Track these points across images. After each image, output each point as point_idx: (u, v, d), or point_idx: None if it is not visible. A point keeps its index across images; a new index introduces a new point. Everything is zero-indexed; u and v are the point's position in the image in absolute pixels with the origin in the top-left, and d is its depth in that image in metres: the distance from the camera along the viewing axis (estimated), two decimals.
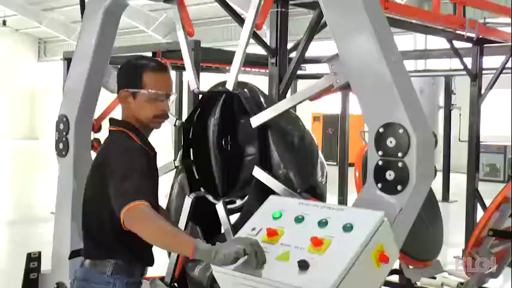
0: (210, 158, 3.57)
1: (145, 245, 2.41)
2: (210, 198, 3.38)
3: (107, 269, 2.55)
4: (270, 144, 3.16)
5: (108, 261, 2.55)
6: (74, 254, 3.11)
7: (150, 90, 2.57)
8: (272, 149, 3.15)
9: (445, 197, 11.88)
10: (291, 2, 4.93)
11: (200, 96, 3.54)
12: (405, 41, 14.68)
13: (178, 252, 2.66)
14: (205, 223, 3.49)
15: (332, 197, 7.96)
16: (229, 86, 3.26)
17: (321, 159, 3.31)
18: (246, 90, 3.31)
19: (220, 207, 3.26)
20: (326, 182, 3.32)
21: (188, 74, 3.53)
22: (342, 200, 8.44)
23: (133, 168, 2.41)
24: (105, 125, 3.88)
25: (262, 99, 3.31)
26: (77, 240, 3.44)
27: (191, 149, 3.57)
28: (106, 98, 3.83)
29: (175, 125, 3.52)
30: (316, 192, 3.18)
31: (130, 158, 2.45)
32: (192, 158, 3.59)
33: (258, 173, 3.11)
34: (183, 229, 3.30)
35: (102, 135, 3.73)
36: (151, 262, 2.67)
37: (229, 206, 3.34)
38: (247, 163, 3.50)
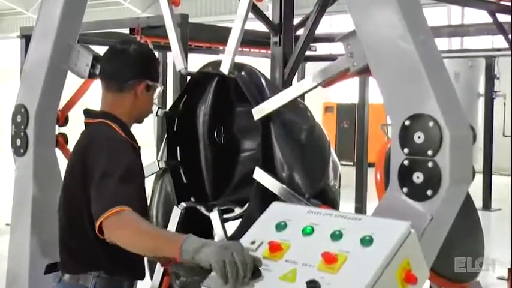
0: (199, 154, 3.60)
1: (135, 256, 2.51)
2: (203, 210, 3.41)
3: (89, 282, 2.65)
4: (272, 139, 3.17)
5: (91, 274, 2.66)
6: (50, 269, 3.19)
7: (160, 87, 2.95)
8: (274, 145, 3.17)
9: (487, 204, 11.91)
10: None
11: (188, 78, 3.56)
12: (437, 14, 14.70)
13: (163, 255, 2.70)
14: (195, 233, 3.51)
15: (347, 204, 7.96)
16: (225, 69, 3.28)
17: (333, 157, 3.33)
18: (243, 73, 3.33)
19: (214, 216, 3.28)
20: (339, 186, 3.33)
21: (174, 52, 3.55)
22: (360, 207, 8.46)
23: (117, 165, 2.56)
24: (73, 116, 3.90)
25: (264, 85, 3.33)
26: (38, 256, 3.47)
27: (177, 145, 3.59)
28: (71, 83, 3.84)
29: (157, 115, 3.55)
30: (327, 198, 3.19)
31: (115, 152, 2.62)
32: (178, 156, 3.60)
33: (260, 175, 3.12)
34: None
35: (69, 129, 3.75)
36: (141, 275, 2.78)
37: (226, 216, 3.36)
38: (243, 160, 3.53)
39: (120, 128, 2.82)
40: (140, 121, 2.97)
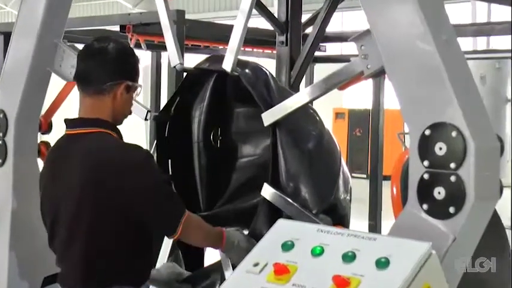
0: (192, 160, 3.61)
1: (149, 266, 3.03)
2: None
3: None
4: (277, 147, 3.18)
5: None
6: (48, 281, 3.31)
7: (140, 87, 3.07)
8: (280, 154, 3.18)
9: None
10: None
11: (184, 75, 3.59)
12: (461, 11, 14.72)
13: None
14: (190, 249, 3.53)
15: (360, 221, 7.93)
16: (227, 66, 3.29)
17: (343, 169, 3.33)
18: (248, 70, 3.34)
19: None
20: (351, 201, 3.33)
21: (168, 47, 3.56)
22: (374, 225, 8.44)
23: (159, 180, 2.96)
24: (56, 122, 3.91)
25: (272, 83, 3.34)
26: (16, 275, 3.47)
27: (167, 153, 3.59)
28: (54, 86, 3.86)
29: (146, 119, 3.55)
30: (337, 214, 3.20)
31: (151, 168, 2.93)
32: (169, 167, 3.62)
33: (268, 192, 3.12)
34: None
35: (53, 137, 3.76)
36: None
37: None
38: (241, 166, 3.54)
39: (117, 135, 2.97)
40: (120, 123, 3.08)
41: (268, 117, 3.13)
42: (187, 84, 3.63)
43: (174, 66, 3.58)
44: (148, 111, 3.57)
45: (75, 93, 3.94)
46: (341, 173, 3.30)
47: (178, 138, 3.64)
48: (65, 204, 2.93)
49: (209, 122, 3.59)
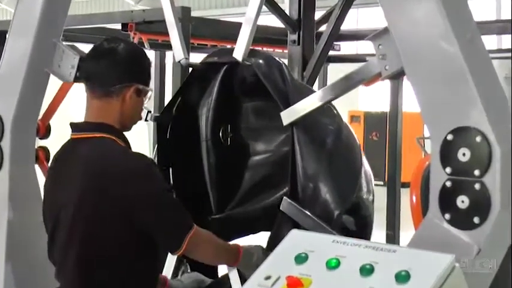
0: (201, 160, 3.60)
1: (154, 275, 3.05)
2: None
3: None
4: (294, 145, 3.17)
5: None
6: None
7: (151, 91, 3.13)
8: (296, 152, 3.17)
9: None
10: None
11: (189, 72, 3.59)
12: (484, 6, 14.69)
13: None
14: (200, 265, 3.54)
15: (378, 230, 7.91)
16: (238, 55, 3.27)
17: (365, 167, 3.31)
18: (261, 61, 3.34)
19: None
20: (373, 201, 3.32)
21: (173, 41, 3.58)
22: (392, 235, 8.42)
23: (164, 189, 2.96)
24: (54, 126, 3.92)
25: (287, 74, 3.33)
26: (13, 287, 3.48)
27: (168, 157, 3.59)
28: (50, 87, 3.87)
29: (146, 120, 3.56)
30: (360, 214, 3.19)
31: (155, 176, 2.94)
32: (170, 171, 3.62)
33: (288, 207, 3.12)
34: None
35: (51, 142, 3.77)
36: None
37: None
38: (253, 164, 3.54)
39: (123, 141, 3.00)
40: (128, 129, 3.11)
41: (287, 116, 3.11)
42: (192, 80, 3.63)
43: (179, 61, 3.58)
44: (148, 112, 3.57)
45: (72, 94, 3.97)
46: (362, 171, 3.29)
47: (183, 138, 3.63)
48: (65, 210, 2.95)
49: (218, 119, 3.59)
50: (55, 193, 3.07)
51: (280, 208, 3.17)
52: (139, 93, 3.05)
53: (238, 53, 3.29)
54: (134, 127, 3.17)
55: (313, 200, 3.10)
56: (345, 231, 3.10)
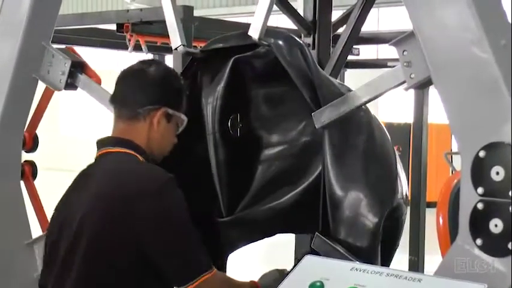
0: (207, 156, 3.60)
1: None
2: None
3: None
4: (325, 147, 3.15)
5: None
6: None
7: (185, 117, 3.22)
8: (326, 153, 3.15)
9: None
10: None
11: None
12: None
13: None
14: None
15: (400, 255, 7.86)
16: (254, 32, 3.22)
17: (399, 167, 3.31)
18: (281, 42, 3.29)
19: None
20: (407, 203, 3.29)
21: (169, 26, 3.58)
22: (416, 261, 8.39)
23: (179, 212, 2.95)
24: (42, 137, 3.93)
25: (310, 57, 3.28)
26: None
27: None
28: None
29: None
30: (398, 223, 3.20)
31: (169, 195, 2.95)
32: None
33: (320, 245, 3.11)
34: None
35: (38, 155, 3.78)
36: None
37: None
38: (267, 157, 3.54)
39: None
40: (157, 159, 3.19)
41: (320, 117, 3.06)
42: (193, 70, 3.61)
43: (176, 48, 3.58)
44: None
45: (60, 102, 3.97)
46: (398, 173, 3.29)
47: (183, 135, 3.63)
48: (66, 231, 3.00)
49: (226, 108, 3.55)
50: (65, 209, 3.12)
51: (312, 246, 3.15)
52: (169, 119, 3.15)
53: (254, 31, 3.23)
54: None
55: (349, 209, 3.09)
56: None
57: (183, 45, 3.54)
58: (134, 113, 3.11)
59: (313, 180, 3.45)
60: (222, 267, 3.66)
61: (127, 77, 3.19)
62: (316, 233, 3.14)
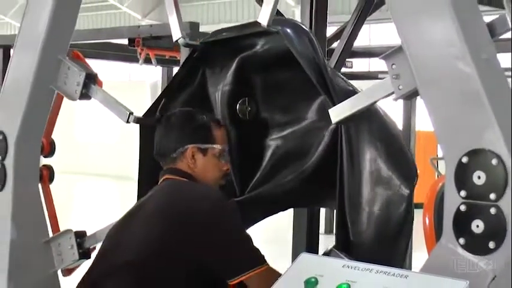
0: None
1: None
2: None
3: None
4: (342, 142, 3.10)
5: None
6: None
7: (220, 146, 3.31)
8: (344, 147, 3.09)
9: None
10: None
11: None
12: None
13: None
14: None
15: None
16: (263, 19, 3.18)
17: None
18: (289, 29, 3.27)
19: None
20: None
21: (170, 18, 3.56)
22: None
23: (239, 227, 3.11)
24: (58, 142, 3.93)
25: (316, 44, 3.27)
26: None
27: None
28: None
29: (128, 122, 3.51)
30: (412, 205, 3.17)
31: (230, 214, 3.10)
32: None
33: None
34: None
35: (55, 160, 3.78)
36: None
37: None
38: (280, 137, 3.57)
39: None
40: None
41: (337, 113, 2.96)
42: (195, 61, 3.62)
43: (176, 40, 3.56)
44: (130, 114, 3.48)
45: (71, 109, 3.99)
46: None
47: None
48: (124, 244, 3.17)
49: (233, 95, 3.57)
50: (124, 222, 3.28)
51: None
52: (204, 153, 3.27)
53: (264, 18, 3.18)
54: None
55: (374, 183, 3.06)
56: None
57: (183, 38, 3.53)
58: (172, 158, 3.26)
59: (317, 159, 3.49)
60: None
61: (157, 131, 3.35)
62: (332, 247, 3.10)
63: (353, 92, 3.14)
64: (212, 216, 3.05)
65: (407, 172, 3.12)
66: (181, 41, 3.55)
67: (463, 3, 2.50)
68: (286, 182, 3.56)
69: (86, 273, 3.25)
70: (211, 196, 3.15)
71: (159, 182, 3.31)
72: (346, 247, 3.10)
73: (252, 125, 3.61)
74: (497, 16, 2.55)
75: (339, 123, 3.02)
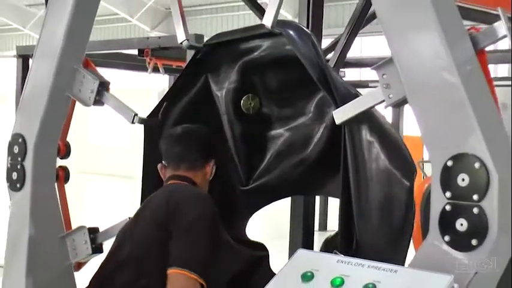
0: (224, 135, 3.62)
1: None
2: None
3: None
4: (345, 139, 3.07)
5: None
6: None
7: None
8: (348, 145, 3.07)
9: None
10: None
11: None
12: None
13: None
14: None
15: None
16: (267, 21, 3.16)
17: None
18: (292, 31, 3.25)
19: None
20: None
21: (175, 22, 3.56)
22: None
23: (207, 232, 3.05)
24: (73, 145, 3.93)
25: (317, 46, 3.26)
26: None
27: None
28: None
29: (133, 123, 3.51)
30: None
31: (208, 222, 3.08)
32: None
33: None
34: None
35: (71, 161, 3.78)
36: None
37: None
38: (277, 133, 3.58)
39: None
40: None
41: (341, 114, 2.91)
42: (199, 62, 3.61)
43: (181, 43, 3.56)
44: (135, 115, 3.49)
45: (84, 114, 4.00)
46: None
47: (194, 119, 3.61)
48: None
49: (237, 92, 3.58)
50: (131, 221, 3.34)
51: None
52: (212, 167, 3.36)
53: (268, 20, 3.16)
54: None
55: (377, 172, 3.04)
56: None
57: (187, 40, 3.53)
58: (193, 165, 3.32)
59: (315, 151, 3.51)
60: (244, 227, 3.81)
61: (181, 140, 3.37)
62: (335, 251, 3.02)
63: (351, 92, 3.13)
64: (195, 215, 3.07)
65: (407, 167, 3.10)
66: (185, 43, 3.55)
67: (449, 19, 2.51)
68: (288, 172, 3.56)
69: (99, 267, 3.25)
70: (204, 198, 3.20)
71: (172, 181, 3.33)
72: (350, 240, 3.08)
73: (255, 119, 3.61)
74: (481, 30, 2.56)
75: (342, 123, 2.97)
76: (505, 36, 2.47)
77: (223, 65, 3.62)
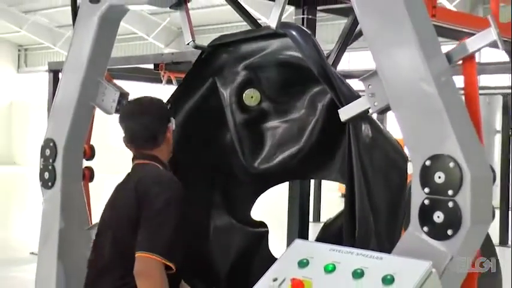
0: (226, 125, 3.55)
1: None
2: None
3: None
4: (351, 139, 2.97)
5: None
6: None
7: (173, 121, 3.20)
8: (352, 141, 2.98)
9: (503, 240, 11.76)
10: (319, 8, 4.98)
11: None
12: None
13: None
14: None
15: None
16: (273, 22, 3.10)
17: None
18: (294, 32, 3.17)
19: None
20: None
21: (183, 28, 3.53)
22: None
23: (172, 217, 2.87)
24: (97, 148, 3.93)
25: (318, 46, 3.16)
26: (63, 285, 3.50)
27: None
28: None
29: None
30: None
31: (173, 206, 2.90)
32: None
33: None
34: None
35: (95, 163, 3.78)
36: None
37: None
38: (280, 122, 3.52)
39: (165, 167, 3.13)
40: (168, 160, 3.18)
41: (345, 113, 2.86)
42: (205, 62, 3.57)
43: (188, 43, 3.53)
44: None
45: (106, 121, 4.00)
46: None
47: (195, 114, 3.58)
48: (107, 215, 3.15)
49: (240, 86, 3.53)
50: (110, 201, 3.19)
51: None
52: (171, 132, 3.16)
53: (273, 21, 3.09)
54: None
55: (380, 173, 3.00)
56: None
57: (193, 41, 3.51)
58: (155, 143, 3.10)
59: (311, 141, 3.46)
60: (249, 210, 3.76)
61: (132, 118, 3.15)
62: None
63: (349, 88, 3.07)
64: (161, 203, 2.89)
65: (401, 156, 3.09)
66: (191, 44, 3.53)
67: (426, 36, 2.51)
68: (287, 160, 3.53)
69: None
70: (169, 183, 3.00)
71: (138, 161, 3.16)
72: (354, 226, 2.98)
73: (256, 112, 3.56)
74: (454, 46, 2.56)
75: (347, 121, 2.92)
76: (475, 52, 2.49)
77: (227, 64, 3.59)
